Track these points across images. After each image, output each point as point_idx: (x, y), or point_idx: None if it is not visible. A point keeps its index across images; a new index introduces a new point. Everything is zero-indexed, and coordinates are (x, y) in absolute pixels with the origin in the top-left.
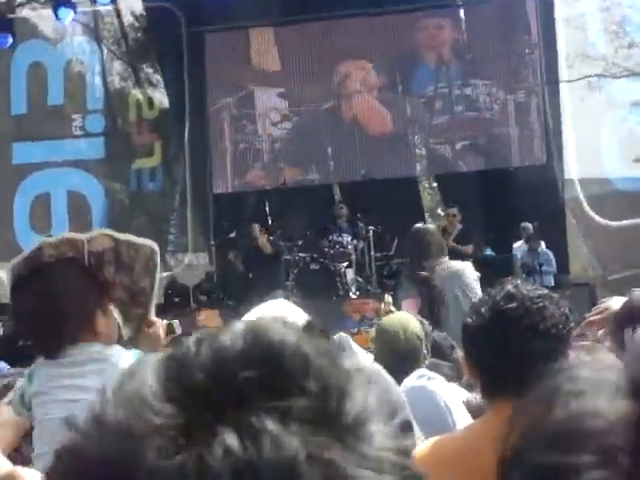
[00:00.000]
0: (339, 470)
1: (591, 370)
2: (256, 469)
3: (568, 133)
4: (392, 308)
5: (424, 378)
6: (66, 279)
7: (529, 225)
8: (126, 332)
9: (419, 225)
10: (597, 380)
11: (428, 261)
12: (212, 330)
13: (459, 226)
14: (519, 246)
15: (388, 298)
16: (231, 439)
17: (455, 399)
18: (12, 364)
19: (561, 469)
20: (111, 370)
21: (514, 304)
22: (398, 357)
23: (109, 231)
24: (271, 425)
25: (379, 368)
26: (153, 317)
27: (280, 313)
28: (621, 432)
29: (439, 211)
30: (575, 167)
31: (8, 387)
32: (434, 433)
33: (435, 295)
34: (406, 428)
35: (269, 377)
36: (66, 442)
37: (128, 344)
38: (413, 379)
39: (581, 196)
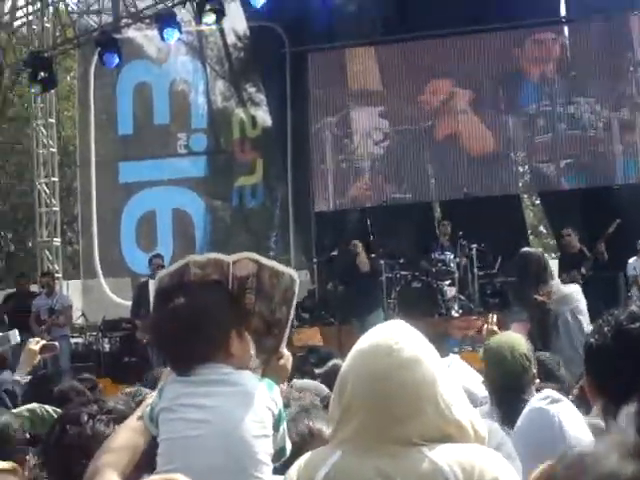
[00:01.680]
0: None
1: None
2: None
3: None
4: (495, 328)
5: (547, 400)
6: (208, 299)
7: None
8: (256, 363)
9: (529, 249)
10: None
11: (544, 285)
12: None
13: (578, 244)
14: (634, 261)
15: (493, 317)
16: None
17: (578, 422)
18: (117, 379)
19: None
20: (241, 395)
21: (638, 324)
22: (507, 377)
23: (254, 255)
24: None
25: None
26: (284, 349)
27: (397, 335)
28: None
29: (542, 228)
30: None
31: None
32: (546, 457)
33: (549, 319)
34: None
35: None
36: None
37: (254, 372)
38: (536, 400)
39: None
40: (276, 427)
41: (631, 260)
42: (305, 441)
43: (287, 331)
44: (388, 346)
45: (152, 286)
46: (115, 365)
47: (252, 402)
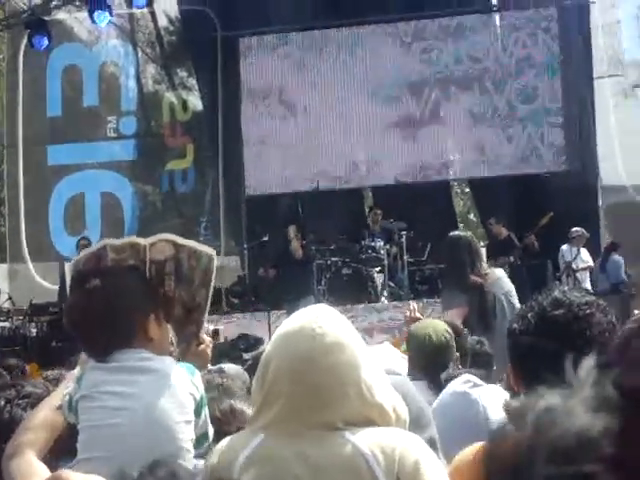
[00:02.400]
0: None
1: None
2: None
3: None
4: (418, 314)
5: (469, 384)
6: (124, 283)
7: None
8: (177, 350)
9: (458, 232)
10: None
11: (479, 268)
12: None
13: (505, 232)
14: (567, 248)
15: (413, 305)
16: None
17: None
18: (45, 364)
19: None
20: (161, 381)
21: (561, 310)
22: (430, 358)
23: (171, 236)
24: None
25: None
26: (203, 335)
27: (321, 320)
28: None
29: (471, 217)
30: (615, 173)
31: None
32: (470, 440)
33: (489, 301)
34: (432, 445)
35: None
36: None
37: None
38: (458, 384)
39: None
40: (198, 412)
41: (564, 247)
42: (227, 419)
43: (206, 315)
44: (311, 330)
45: (68, 268)
46: (42, 350)
47: (172, 388)
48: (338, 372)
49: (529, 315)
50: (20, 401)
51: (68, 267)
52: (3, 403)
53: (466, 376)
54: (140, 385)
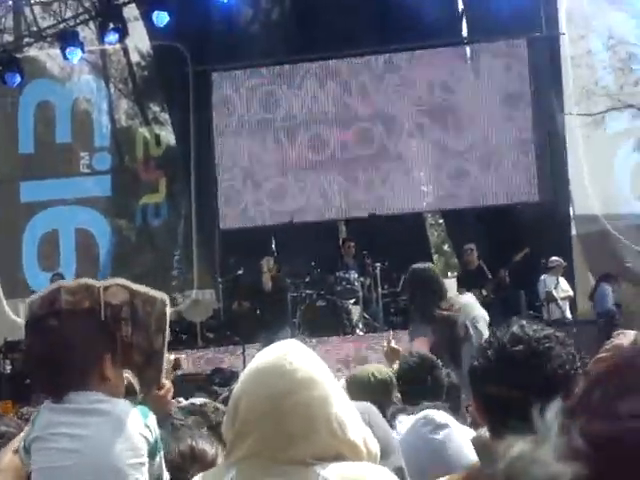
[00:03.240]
0: None
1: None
2: None
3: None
4: (394, 345)
5: (430, 427)
6: (78, 324)
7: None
8: (140, 395)
9: (420, 264)
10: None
11: (444, 299)
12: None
13: (477, 261)
14: (546, 278)
15: (389, 336)
16: None
17: (465, 447)
18: (19, 401)
19: None
20: (113, 423)
21: (520, 346)
22: (376, 395)
23: (124, 281)
24: None
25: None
26: (164, 379)
27: (291, 355)
28: None
29: (446, 247)
30: (593, 201)
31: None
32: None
33: (458, 332)
34: (400, 474)
35: None
36: None
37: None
38: (419, 426)
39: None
40: (152, 455)
41: (542, 277)
42: (186, 462)
43: (164, 360)
44: (281, 366)
45: (23, 309)
46: (16, 387)
47: (125, 430)
48: (309, 408)
49: (489, 352)
50: None
51: (23, 307)
52: None
53: (427, 413)
54: (92, 427)
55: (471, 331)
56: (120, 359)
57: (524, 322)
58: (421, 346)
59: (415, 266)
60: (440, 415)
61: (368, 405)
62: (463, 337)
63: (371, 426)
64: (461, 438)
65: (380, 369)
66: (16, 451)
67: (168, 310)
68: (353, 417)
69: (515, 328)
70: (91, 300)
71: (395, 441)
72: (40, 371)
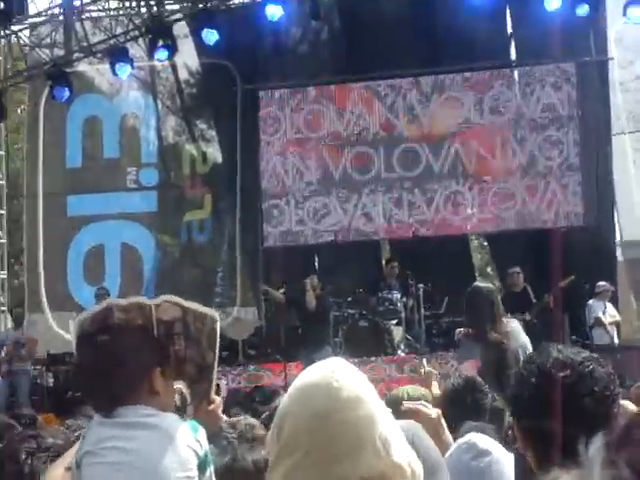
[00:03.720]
0: None
1: None
2: None
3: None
4: (429, 368)
5: (472, 453)
6: (130, 339)
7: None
8: (190, 409)
9: (481, 283)
10: None
11: (499, 323)
12: None
13: (522, 284)
14: (594, 303)
15: (423, 362)
16: None
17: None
18: (61, 414)
19: None
20: (162, 437)
21: (567, 371)
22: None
23: (175, 298)
24: None
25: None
26: (214, 395)
27: (338, 374)
28: None
29: (489, 270)
30: (632, 228)
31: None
32: None
33: (507, 358)
34: None
35: None
36: None
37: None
38: (462, 452)
39: None
40: (202, 469)
41: (590, 302)
42: (260, 472)
43: (215, 375)
44: (328, 384)
45: (73, 326)
46: (59, 400)
47: (173, 443)
48: (354, 428)
49: (532, 380)
50: (41, 454)
51: (73, 324)
52: (24, 456)
53: (468, 438)
54: (141, 440)
55: (521, 358)
56: (172, 372)
57: (559, 346)
58: (469, 368)
59: (475, 284)
60: (483, 441)
61: (412, 423)
62: (512, 363)
63: (415, 444)
64: (503, 465)
65: (415, 388)
66: (69, 468)
67: (218, 327)
68: (398, 437)
69: (554, 353)
70: (143, 318)
71: (441, 460)
72: (90, 385)
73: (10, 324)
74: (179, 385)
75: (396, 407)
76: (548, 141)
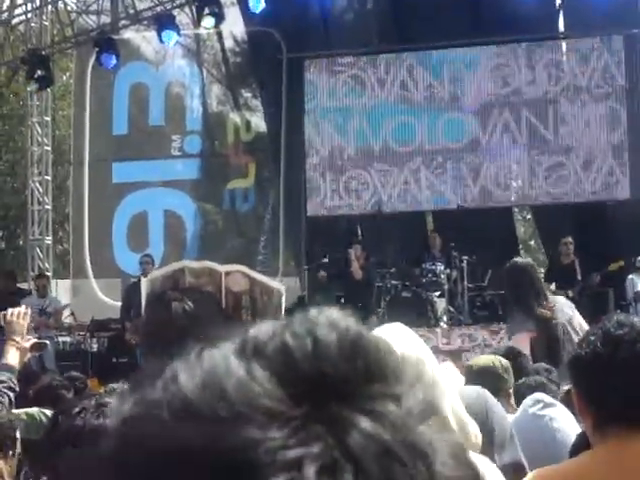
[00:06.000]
0: None
1: None
2: (394, 451)
3: None
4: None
5: (540, 405)
6: (204, 308)
7: None
8: None
9: (520, 259)
10: None
11: (545, 298)
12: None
13: (572, 257)
14: (634, 277)
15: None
16: (365, 422)
17: (570, 428)
18: (105, 380)
19: None
20: None
21: (626, 329)
22: (495, 380)
23: (245, 269)
24: (393, 409)
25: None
26: None
27: (400, 340)
28: None
29: (532, 243)
30: None
31: None
32: (541, 462)
33: (557, 334)
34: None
35: (374, 367)
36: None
37: None
38: (529, 405)
39: None
40: None
41: (630, 276)
42: None
43: None
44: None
45: (144, 284)
46: (103, 365)
47: None
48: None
49: (593, 338)
50: (95, 410)
51: (144, 283)
52: (78, 410)
53: (536, 395)
54: None
55: (571, 332)
56: None
57: (622, 314)
58: (522, 342)
59: (516, 260)
60: (547, 397)
61: (483, 391)
62: (563, 338)
63: (489, 414)
64: (567, 416)
65: (499, 358)
66: None
67: (284, 301)
68: (458, 402)
69: (617, 316)
70: (214, 285)
71: (511, 428)
72: (160, 350)
73: (54, 290)
74: None
75: (490, 375)
76: (596, 114)
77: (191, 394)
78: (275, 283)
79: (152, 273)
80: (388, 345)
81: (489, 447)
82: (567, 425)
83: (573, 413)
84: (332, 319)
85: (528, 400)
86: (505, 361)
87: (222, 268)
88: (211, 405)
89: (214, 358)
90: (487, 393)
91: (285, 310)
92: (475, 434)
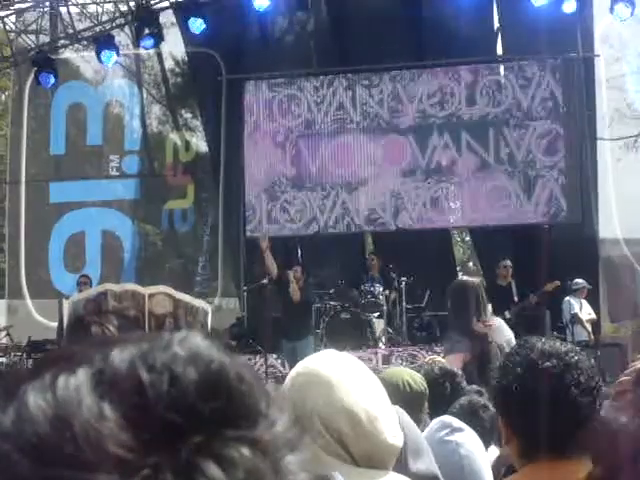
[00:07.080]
0: None
1: None
2: None
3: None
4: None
5: (446, 430)
6: (123, 330)
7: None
8: None
9: (466, 277)
10: None
11: (485, 315)
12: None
13: (510, 279)
14: (570, 299)
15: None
16: (213, 470)
17: (478, 453)
18: None
19: None
20: None
21: (553, 360)
22: (408, 404)
23: (168, 289)
24: (247, 454)
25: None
26: None
27: (337, 365)
28: None
29: (470, 265)
30: (616, 225)
31: None
32: None
33: (491, 352)
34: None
35: (233, 407)
36: None
37: None
38: (435, 429)
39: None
40: None
41: (568, 298)
42: None
43: None
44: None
45: (66, 306)
46: None
47: None
48: None
49: (518, 370)
50: None
51: (66, 304)
52: None
53: (444, 419)
54: None
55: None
56: None
57: (543, 339)
58: (454, 362)
59: (460, 278)
60: (456, 420)
61: (397, 407)
62: (496, 357)
63: (401, 424)
64: (476, 442)
65: (414, 377)
66: None
67: (209, 320)
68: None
69: (539, 344)
70: (136, 308)
71: (426, 445)
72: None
73: None
74: None
75: (395, 395)
76: (533, 136)
77: (41, 430)
78: (200, 302)
79: (75, 295)
80: (252, 378)
81: (402, 450)
82: (475, 450)
83: None
84: (194, 350)
85: (434, 424)
86: (419, 381)
87: (145, 290)
88: (58, 447)
89: (68, 388)
90: (400, 410)
91: (224, 330)
92: (394, 435)
